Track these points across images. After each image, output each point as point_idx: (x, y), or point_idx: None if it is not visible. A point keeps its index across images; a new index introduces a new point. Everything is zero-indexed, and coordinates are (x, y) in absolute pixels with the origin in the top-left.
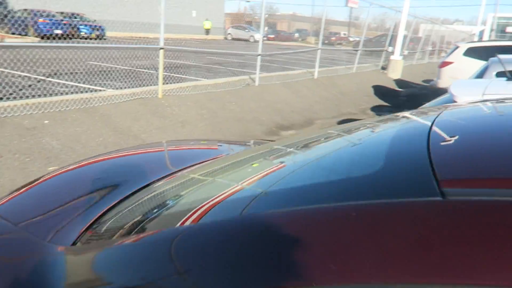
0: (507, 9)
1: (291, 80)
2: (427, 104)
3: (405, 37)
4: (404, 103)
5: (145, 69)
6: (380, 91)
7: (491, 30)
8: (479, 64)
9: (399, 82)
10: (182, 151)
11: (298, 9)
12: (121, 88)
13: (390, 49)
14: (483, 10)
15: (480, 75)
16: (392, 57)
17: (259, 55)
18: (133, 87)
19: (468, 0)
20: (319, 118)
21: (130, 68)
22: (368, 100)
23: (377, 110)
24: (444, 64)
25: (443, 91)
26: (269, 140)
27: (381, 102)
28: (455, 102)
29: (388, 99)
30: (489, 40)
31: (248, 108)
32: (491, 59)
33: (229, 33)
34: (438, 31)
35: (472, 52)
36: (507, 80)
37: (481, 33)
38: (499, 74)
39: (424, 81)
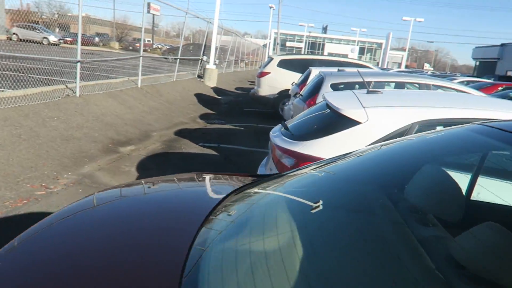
0: (288, 26)
1: (115, 90)
2: (303, 113)
3: (216, 47)
4: (228, 110)
5: None
6: (202, 99)
7: (276, 43)
8: (291, 74)
9: (216, 90)
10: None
11: (92, 11)
12: None
13: (205, 58)
14: (270, 26)
15: (317, 86)
16: (207, 66)
17: (79, 61)
18: None
19: (257, 16)
20: (155, 130)
21: None
22: (194, 108)
23: (206, 118)
24: (263, 74)
25: (264, 98)
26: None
27: (207, 110)
28: (343, 114)
29: (212, 106)
30: (297, 54)
31: (75, 124)
32: (323, 72)
33: (14, 33)
34: (240, 43)
35: (284, 64)
36: (367, 93)
37: (268, 45)
38: (333, 86)
39: (237, 88)
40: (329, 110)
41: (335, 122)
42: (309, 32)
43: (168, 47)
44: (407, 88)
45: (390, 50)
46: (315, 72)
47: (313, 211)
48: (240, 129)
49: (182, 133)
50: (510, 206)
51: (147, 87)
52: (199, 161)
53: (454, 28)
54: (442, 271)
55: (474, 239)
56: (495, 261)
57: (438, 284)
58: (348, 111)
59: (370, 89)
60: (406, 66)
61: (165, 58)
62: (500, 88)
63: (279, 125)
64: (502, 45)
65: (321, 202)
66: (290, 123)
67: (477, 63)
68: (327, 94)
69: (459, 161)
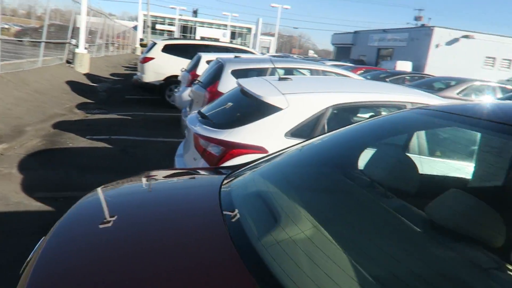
0: (158, 9)
1: None
2: (218, 101)
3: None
4: (107, 98)
5: None
6: (76, 87)
7: (147, 26)
8: (177, 59)
9: (89, 76)
10: None
11: None
12: None
13: (73, 41)
14: (140, 7)
15: (217, 73)
16: (77, 50)
17: None
18: None
19: None
20: (28, 124)
21: None
22: (69, 98)
23: (84, 108)
24: (146, 59)
25: (149, 85)
26: None
27: (83, 99)
28: (265, 102)
29: (89, 95)
30: (183, 39)
31: None
32: (223, 58)
33: None
34: (109, 25)
35: (170, 49)
36: (279, 80)
37: (137, 27)
38: (234, 73)
39: (112, 74)
40: (245, 97)
41: (257, 109)
42: (180, 15)
43: (20, 28)
44: (295, 74)
45: (260, 35)
46: (205, 57)
47: (233, 220)
48: (127, 118)
49: (63, 126)
50: (452, 176)
51: (8, 75)
52: (93, 156)
53: (316, 16)
54: (427, 232)
55: (445, 203)
56: (464, 218)
57: (427, 243)
58: (269, 98)
59: (281, 76)
60: (275, 51)
61: (20, 40)
62: (360, 72)
63: (195, 114)
64: (355, 32)
65: (237, 211)
66: (207, 112)
67: (335, 48)
68: (242, 81)
69: (406, 140)
